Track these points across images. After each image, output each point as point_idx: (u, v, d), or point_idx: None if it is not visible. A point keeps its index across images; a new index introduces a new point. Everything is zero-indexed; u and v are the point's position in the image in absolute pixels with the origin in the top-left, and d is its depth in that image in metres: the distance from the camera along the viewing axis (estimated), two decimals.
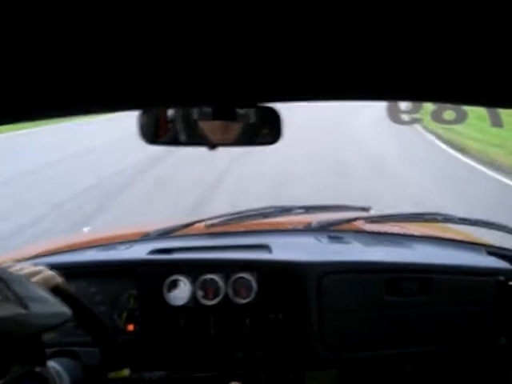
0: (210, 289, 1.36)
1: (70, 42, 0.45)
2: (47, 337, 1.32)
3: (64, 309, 0.93)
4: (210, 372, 1.38)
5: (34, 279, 1.00)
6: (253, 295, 1.35)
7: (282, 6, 0.42)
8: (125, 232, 1.93)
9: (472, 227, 1.67)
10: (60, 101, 0.59)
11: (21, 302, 0.83)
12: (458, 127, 8.59)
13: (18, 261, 1.47)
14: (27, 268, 1.03)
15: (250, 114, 0.93)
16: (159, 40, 0.47)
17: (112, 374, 1.06)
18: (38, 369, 0.96)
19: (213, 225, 1.68)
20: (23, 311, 0.83)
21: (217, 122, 0.93)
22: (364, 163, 7.38)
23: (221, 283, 1.35)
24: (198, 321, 1.36)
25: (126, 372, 1.08)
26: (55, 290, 1.02)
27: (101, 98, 0.60)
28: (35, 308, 0.85)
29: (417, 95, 0.73)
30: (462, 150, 8.23)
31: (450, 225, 1.78)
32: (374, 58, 0.53)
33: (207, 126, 0.98)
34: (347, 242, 1.55)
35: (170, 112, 1.00)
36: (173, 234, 1.66)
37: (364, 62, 0.54)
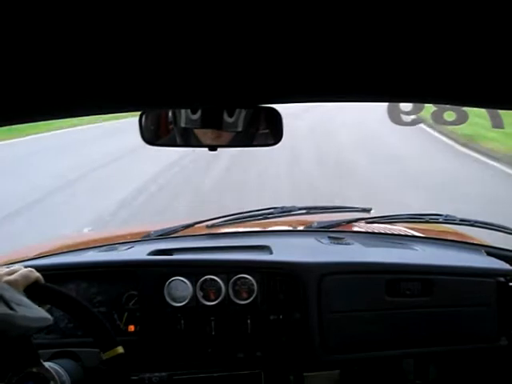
0: (210, 290, 1.36)
1: (73, 44, 0.46)
2: (47, 338, 1.33)
3: (47, 314, 0.96)
4: (210, 373, 1.38)
5: (13, 276, 1.01)
6: (253, 296, 1.35)
7: (282, 8, 0.42)
8: (125, 233, 1.93)
9: (472, 228, 1.67)
10: (62, 102, 0.59)
11: (8, 304, 0.85)
12: None
13: (20, 261, 1.48)
14: (3, 268, 1.05)
15: (250, 116, 0.93)
16: (160, 42, 0.47)
17: (107, 354, 1.07)
18: (34, 369, 0.97)
19: (213, 225, 1.68)
20: (10, 312, 0.85)
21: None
22: None
23: (221, 284, 1.35)
24: (199, 322, 1.36)
25: (120, 349, 1.08)
26: (35, 285, 1.04)
27: (102, 99, 0.61)
28: (21, 311, 0.88)
29: (417, 96, 0.73)
30: None
31: (450, 226, 1.78)
32: (375, 59, 0.53)
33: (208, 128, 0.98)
34: (348, 243, 1.55)
35: (171, 114, 1.01)
36: (173, 235, 1.67)
37: (364, 64, 0.54)
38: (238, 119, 0.90)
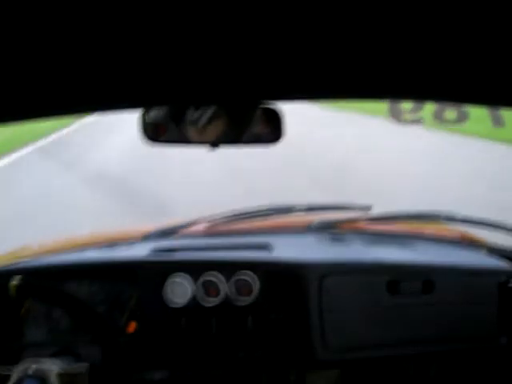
0: (211, 289, 1.36)
1: (72, 41, 0.45)
2: (48, 336, 1.33)
3: None
4: (211, 372, 1.38)
5: None
6: (254, 295, 1.35)
7: (282, 6, 0.42)
8: (126, 231, 1.93)
9: (473, 227, 1.66)
10: (61, 100, 0.59)
11: None
12: None
13: (19, 260, 1.47)
14: None
15: (252, 114, 0.93)
16: (160, 39, 0.47)
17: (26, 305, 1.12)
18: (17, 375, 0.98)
19: (213, 224, 1.67)
20: None
21: (218, 122, 0.92)
22: None
23: (222, 283, 1.35)
24: (199, 321, 1.36)
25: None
26: None
27: (100, 97, 0.60)
28: None
29: (418, 94, 0.73)
30: None
31: (451, 225, 1.78)
32: (375, 56, 0.53)
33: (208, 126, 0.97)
34: (348, 242, 1.55)
35: (170, 111, 1.00)
36: (173, 234, 1.66)
37: (365, 61, 0.54)
38: (201, 115, 0.89)
